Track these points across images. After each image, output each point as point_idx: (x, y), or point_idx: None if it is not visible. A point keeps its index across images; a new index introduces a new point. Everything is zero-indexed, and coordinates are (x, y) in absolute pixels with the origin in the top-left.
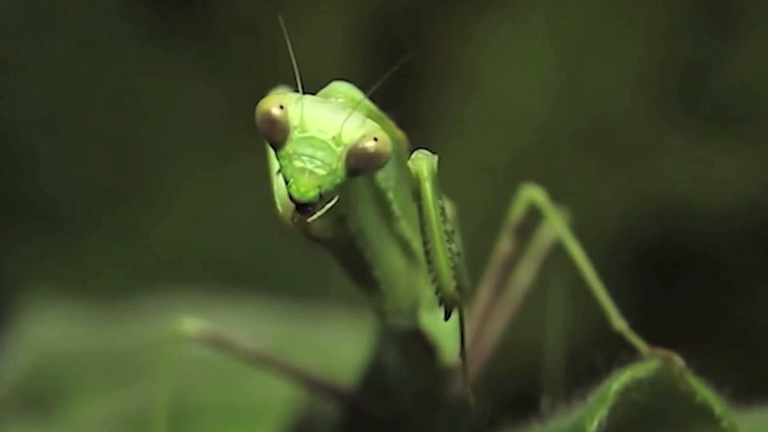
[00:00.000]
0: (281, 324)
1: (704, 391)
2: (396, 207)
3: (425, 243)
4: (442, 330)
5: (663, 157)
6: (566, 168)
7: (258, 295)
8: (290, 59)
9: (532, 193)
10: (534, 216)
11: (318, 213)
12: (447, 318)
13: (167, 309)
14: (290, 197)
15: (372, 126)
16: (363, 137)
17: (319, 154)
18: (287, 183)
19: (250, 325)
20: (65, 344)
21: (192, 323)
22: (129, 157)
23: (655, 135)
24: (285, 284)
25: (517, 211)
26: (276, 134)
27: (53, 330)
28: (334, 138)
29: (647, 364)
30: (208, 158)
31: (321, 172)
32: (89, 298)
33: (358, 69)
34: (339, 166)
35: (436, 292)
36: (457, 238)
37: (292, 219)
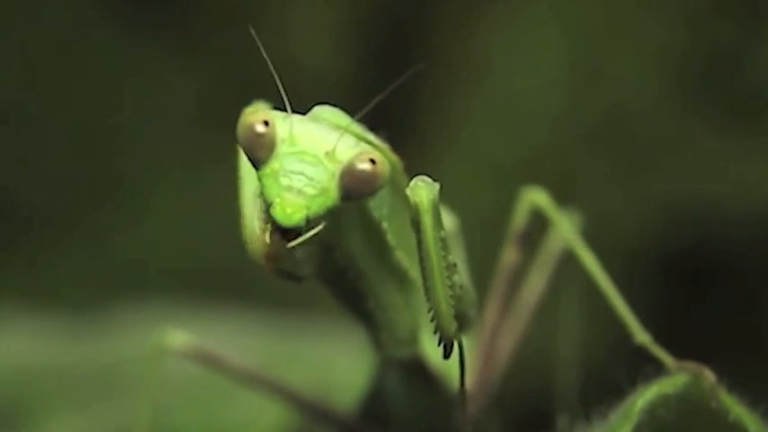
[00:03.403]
0: (269, 337)
1: (738, 409)
2: (390, 237)
3: (424, 279)
4: (448, 360)
5: (688, 155)
6: (581, 168)
7: (244, 306)
8: (274, 63)
9: (535, 197)
10: (543, 221)
11: (300, 240)
12: (447, 357)
13: (145, 321)
14: (273, 222)
15: (368, 147)
16: (360, 155)
17: (310, 171)
18: (269, 206)
19: (236, 338)
20: (32, 359)
21: (176, 336)
22: (102, 157)
23: (679, 131)
24: (273, 294)
25: (520, 217)
26: (260, 150)
27: (19, 345)
28: (327, 153)
29: (675, 378)
30: (189, 159)
31: (311, 191)
32: (59, 310)
33: (354, 62)
34: (332, 186)
35: (435, 332)
36: (460, 261)
37: (265, 253)
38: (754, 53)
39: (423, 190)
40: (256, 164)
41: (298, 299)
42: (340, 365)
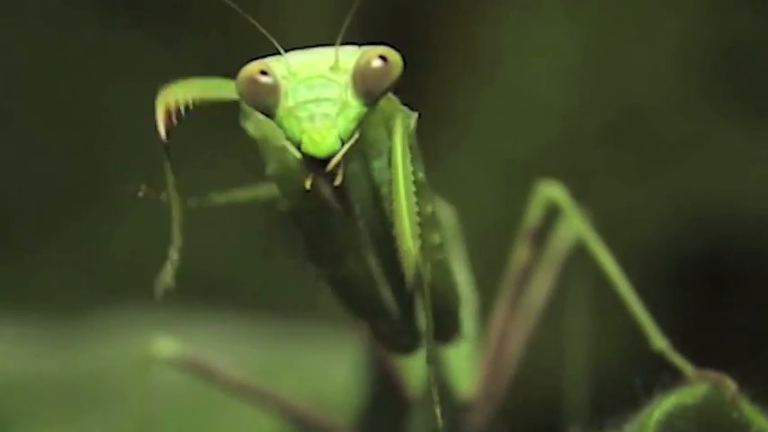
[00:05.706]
0: (261, 345)
1: (761, 420)
2: (387, 206)
3: (392, 201)
4: (452, 367)
5: (707, 152)
6: (594, 165)
7: (236, 312)
8: (271, 40)
9: (551, 191)
10: (555, 219)
11: (339, 156)
12: (411, 290)
13: (132, 329)
14: (308, 158)
15: (371, 47)
16: (366, 54)
17: (322, 92)
18: (299, 145)
19: (227, 346)
20: (15, 367)
21: (165, 344)
22: (86, 161)
23: (698, 127)
24: (267, 300)
25: (534, 213)
26: (268, 96)
27: (2, 352)
28: (331, 68)
29: (694, 388)
30: (178, 159)
31: (332, 110)
32: (41, 317)
33: None
34: (348, 96)
35: (400, 257)
36: (457, 256)
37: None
38: None
39: (400, 113)
40: (269, 113)
41: (294, 305)
42: (335, 374)
